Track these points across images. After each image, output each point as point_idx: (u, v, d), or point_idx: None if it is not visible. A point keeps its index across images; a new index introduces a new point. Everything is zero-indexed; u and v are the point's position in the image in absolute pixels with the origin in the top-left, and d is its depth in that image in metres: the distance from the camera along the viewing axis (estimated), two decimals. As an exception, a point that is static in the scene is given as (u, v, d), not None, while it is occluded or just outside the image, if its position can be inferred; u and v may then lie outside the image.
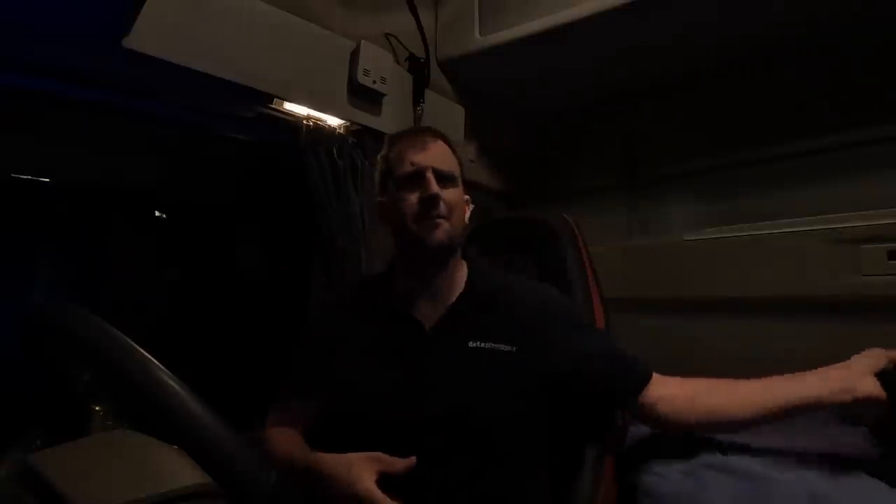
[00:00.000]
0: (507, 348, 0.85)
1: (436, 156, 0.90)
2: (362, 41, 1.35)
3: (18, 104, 1.25)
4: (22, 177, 1.49)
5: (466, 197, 0.96)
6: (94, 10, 0.89)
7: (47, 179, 1.54)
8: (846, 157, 1.56)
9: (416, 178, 0.88)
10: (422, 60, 1.57)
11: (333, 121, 1.34)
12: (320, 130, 1.31)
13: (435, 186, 0.86)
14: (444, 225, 0.87)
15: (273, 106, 1.25)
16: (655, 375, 0.88)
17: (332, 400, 0.90)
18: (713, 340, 1.71)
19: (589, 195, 2.07)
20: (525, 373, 0.84)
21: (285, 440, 0.91)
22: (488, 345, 0.85)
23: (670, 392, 0.86)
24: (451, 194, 0.89)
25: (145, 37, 0.96)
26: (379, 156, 0.99)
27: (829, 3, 1.38)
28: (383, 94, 1.40)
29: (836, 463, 1.05)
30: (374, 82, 1.36)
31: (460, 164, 0.95)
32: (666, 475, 1.04)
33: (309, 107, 1.28)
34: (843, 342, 1.46)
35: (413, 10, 1.53)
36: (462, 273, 0.95)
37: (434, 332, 0.88)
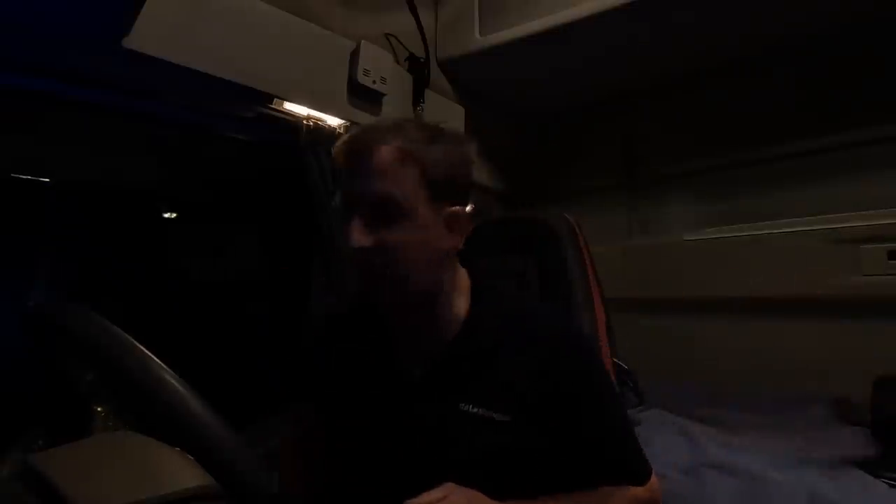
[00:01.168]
0: (501, 418, 0.68)
1: (370, 179, 0.63)
2: (362, 41, 1.35)
3: (18, 104, 1.24)
4: (22, 177, 1.49)
5: (454, 209, 0.69)
6: (94, 10, 0.89)
7: (47, 179, 1.54)
8: (846, 157, 1.56)
9: (345, 214, 0.65)
10: (422, 60, 1.57)
11: (333, 121, 1.34)
12: (320, 130, 1.31)
13: (357, 234, 0.62)
14: (383, 285, 0.66)
15: (273, 106, 1.25)
16: None
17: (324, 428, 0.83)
18: (713, 340, 1.71)
19: (589, 195, 2.07)
20: (518, 446, 0.70)
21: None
22: (480, 410, 0.69)
23: None
24: (394, 236, 0.63)
25: (145, 37, 0.96)
26: None
27: (828, 4, 1.38)
28: (383, 94, 1.40)
29: (836, 463, 1.05)
30: (374, 82, 1.36)
31: (426, 169, 0.66)
32: (667, 474, 1.04)
33: (309, 107, 1.28)
34: (843, 342, 1.47)
35: (413, 10, 1.53)
36: (459, 307, 0.74)
37: (422, 384, 0.72)
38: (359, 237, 0.62)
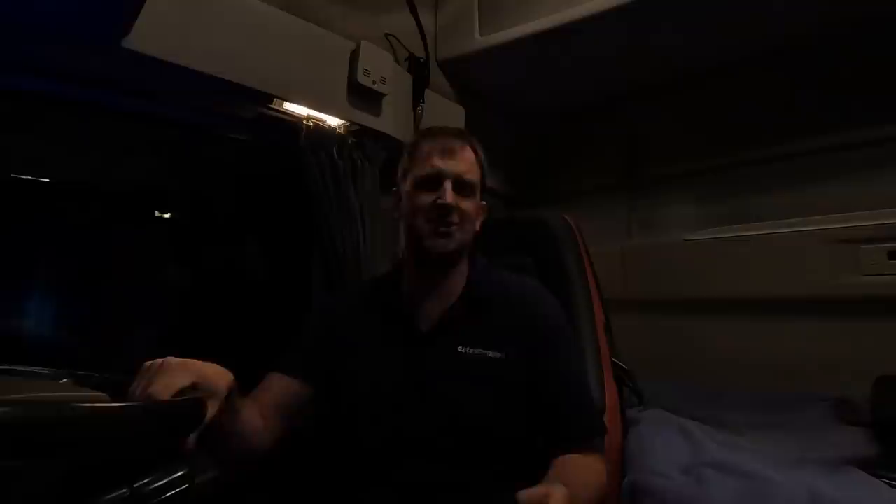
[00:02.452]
0: (496, 355, 0.86)
1: (460, 163, 0.89)
2: (362, 41, 1.35)
3: (18, 104, 1.24)
4: (22, 177, 1.49)
5: (483, 203, 0.96)
6: (94, 10, 0.89)
7: (47, 179, 1.54)
8: (847, 157, 1.56)
9: (435, 182, 0.87)
10: (422, 60, 1.57)
11: (333, 121, 1.34)
12: (320, 130, 1.31)
13: (450, 195, 0.86)
14: (454, 234, 0.87)
15: (273, 106, 1.25)
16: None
17: (329, 393, 0.90)
18: (713, 340, 1.71)
19: (589, 195, 2.07)
20: (511, 380, 0.85)
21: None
22: (476, 351, 0.86)
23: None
24: (467, 204, 0.89)
25: (145, 37, 0.96)
26: (406, 145, 0.97)
27: (829, 4, 1.38)
28: (383, 95, 1.40)
29: (837, 463, 1.05)
30: (374, 82, 1.35)
31: (483, 173, 0.94)
32: (667, 474, 1.04)
33: (309, 107, 1.28)
34: (843, 342, 1.47)
35: (413, 11, 1.53)
36: (463, 275, 0.94)
37: (430, 335, 0.89)
38: (450, 197, 0.86)
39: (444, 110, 1.68)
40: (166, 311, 1.83)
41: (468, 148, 0.92)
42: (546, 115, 2.14)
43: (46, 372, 0.55)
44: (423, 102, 1.55)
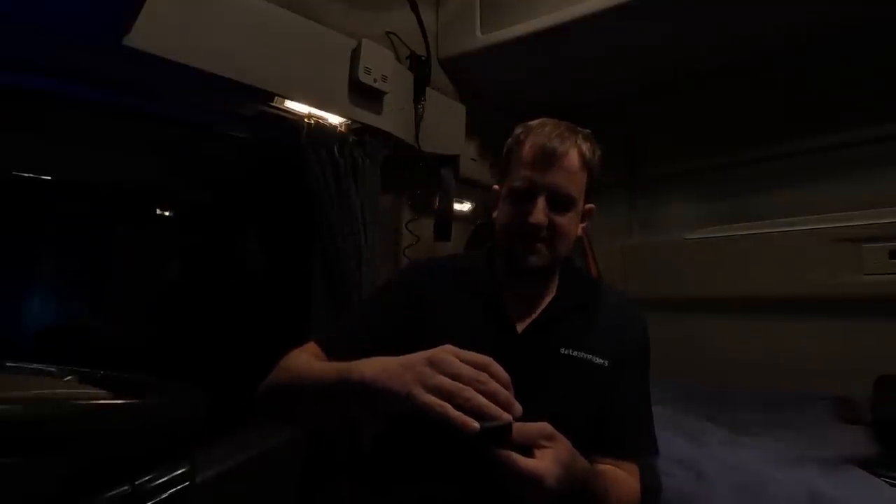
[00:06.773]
0: (601, 361, 0.81)
1: (558, 174, 0.80)
2: (363, 39, 1.34)
3: (19, 104, 1.25)
4: (23, 175, 1.49)
5: (590, 206, 0.88)
6: (94, 9, 0.89)
7: (48, 178, 1.54)
8: (847, 156, 1.56)
9: (527, 196, 0.80)
10: (423, 59, 1.57)
11: (334, 119, 1.34)
12: (321, 128, 1.31)
13: (542, 214, 0.79)
14: (543, 251, 0.81)
15: (274, 104, 1.25)
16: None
17: None
18: (713, 340, 1.71)
19: (589, 194, 2.07)
20: (608, 389, 0.81)
21: (315, 361, 0.78)
22: (581, 354, 0.81)
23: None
24: (563, 220, 0.81)
25: (146, 35, 0.96)
26: (511, 136, 0.89)
27: (828, 4, 1.37)
28: (384, 93, 1.40)
29: (837, 462, 1.05)
30: (375, 80, 1.35)
31: (593, 173, 0.85)
32: (669, 472, 1.04)
33: (310, 105, 1.28)
34: (844, 341, 1.47)
35: (414, 9, 1.53)
36: (556, 278, 0.89)
37: (525, 335, 0.84)
38: (540, 216, 0.79)
39: (445, 108, 1.68)
40: (165, 308, 1.83)
41: (574, 150, 0.82)
42: (547, 114, 2.13)
43: (52, 369, 0.56)
44: (425, 100, 1.55)
